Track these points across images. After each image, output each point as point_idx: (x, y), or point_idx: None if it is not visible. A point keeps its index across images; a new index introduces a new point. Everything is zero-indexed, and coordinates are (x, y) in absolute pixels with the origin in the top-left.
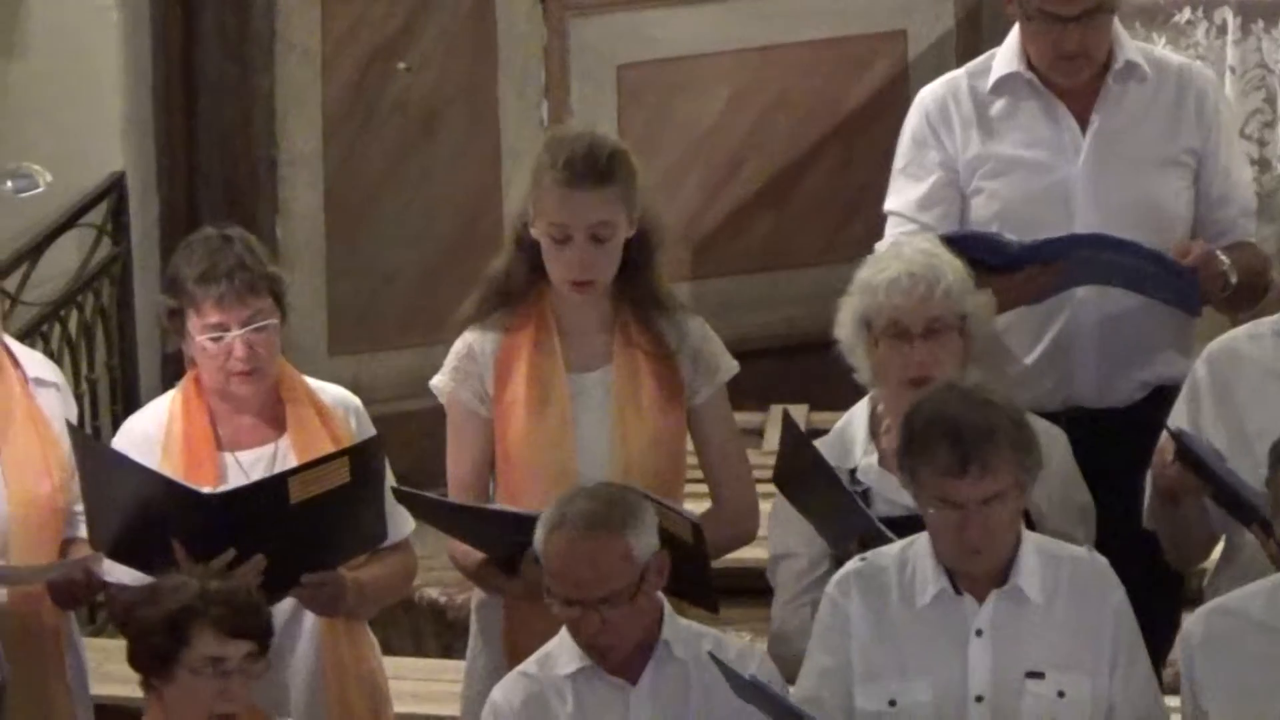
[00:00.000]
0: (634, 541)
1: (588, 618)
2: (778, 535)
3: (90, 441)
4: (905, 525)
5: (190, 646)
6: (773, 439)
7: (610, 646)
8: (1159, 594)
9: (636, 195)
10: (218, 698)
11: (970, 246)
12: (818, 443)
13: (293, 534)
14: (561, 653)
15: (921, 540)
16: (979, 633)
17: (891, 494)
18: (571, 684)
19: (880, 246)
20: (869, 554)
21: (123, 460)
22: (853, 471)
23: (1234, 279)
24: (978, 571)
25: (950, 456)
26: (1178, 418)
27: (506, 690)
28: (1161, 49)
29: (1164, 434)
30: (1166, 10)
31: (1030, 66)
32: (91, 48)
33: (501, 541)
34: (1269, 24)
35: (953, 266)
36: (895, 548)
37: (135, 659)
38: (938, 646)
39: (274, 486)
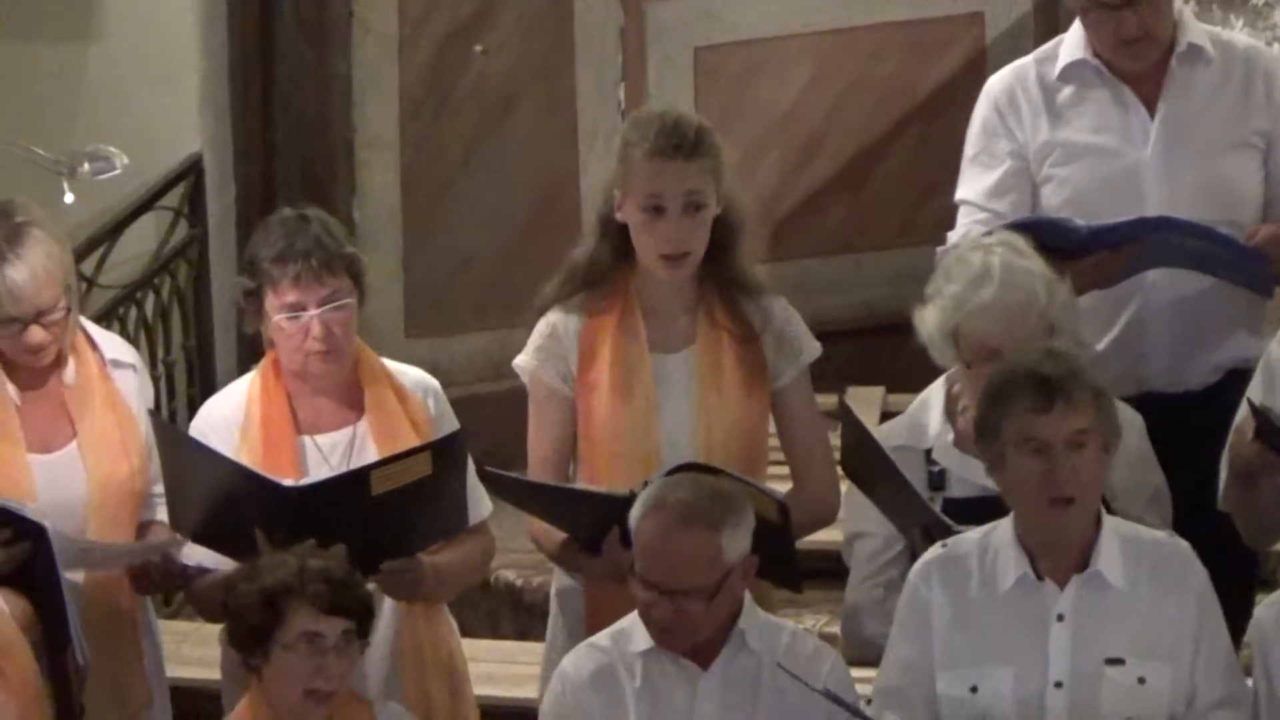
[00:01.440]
0: (727, 541)
1: (662, 604)
2: (853, 515)
3: (171, 429)
4: (979, 507)
5: (287, 623)
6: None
7: (678, 635)
8: (1233, 576)
9: (724, 171)
10: (314, 674)
11: (1040, 232)
12: (889, 424)
13: (373, 523)
14: (636, 630)
15: (1003, 526)
16: (1060, 618)
17: (967, 474)
18: (642, 661)
19: (952, 237)
20: (950, 540)
21: (204, 449)
22: (928, 452)
23: None
24: (1062, 536)
25: (1035, 395)
26: (1254, 396)
27: (577, 660)
28: (1228, 31)
29: (1241, 412)
30: None
31: (1096, 53)
32: (168, 31)
33: (584, 521)
34: None
35: (1042, 278)
36: (976, 534)
37: (234, 638)
38: (1018, 633)
39: (356, 480)
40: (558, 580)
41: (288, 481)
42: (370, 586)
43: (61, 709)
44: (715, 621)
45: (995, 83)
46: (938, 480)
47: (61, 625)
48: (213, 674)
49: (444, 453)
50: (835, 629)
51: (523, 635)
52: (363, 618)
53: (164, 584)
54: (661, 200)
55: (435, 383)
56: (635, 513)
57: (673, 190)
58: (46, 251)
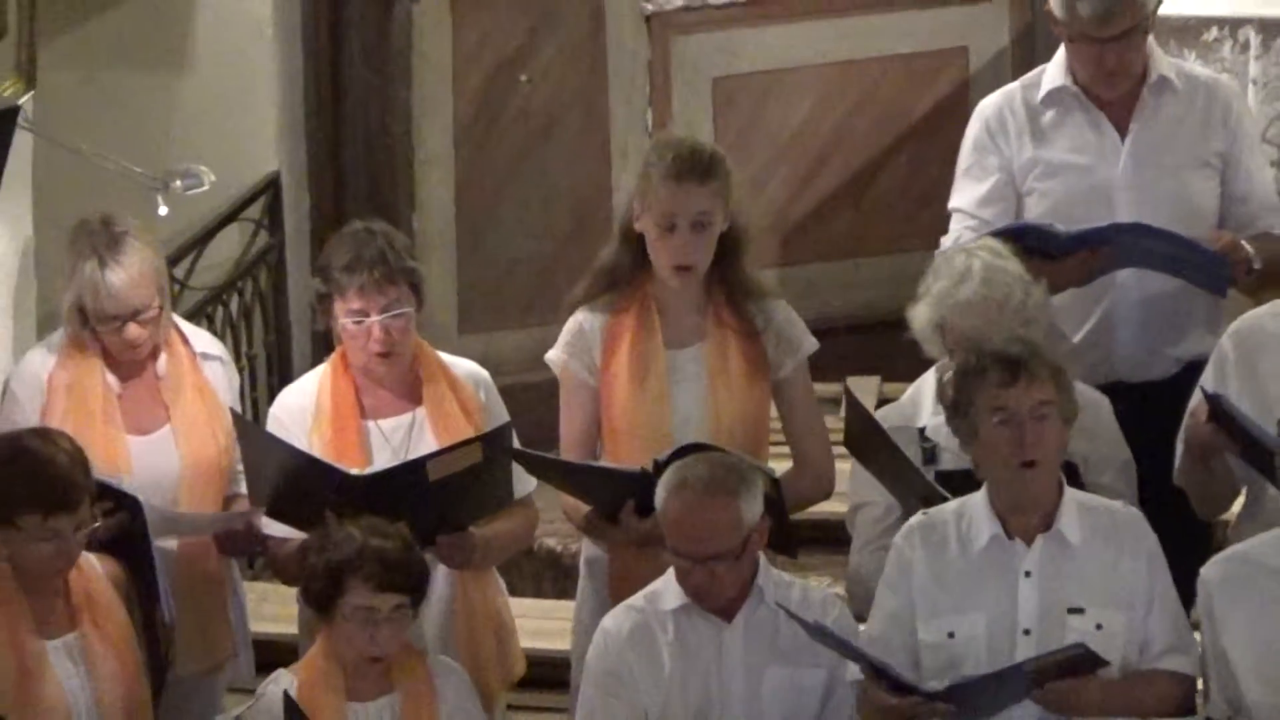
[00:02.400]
0: (744, 507)
1: (696, 571)
2: (856, 487)
3: (250, 425)
4: (966, 477)
5: (346, 596)
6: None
7: (713, 595)
8: (1191, 545)
9: (731, 192)
10: (367, 642)
11: (1025, 236)
12: (888, 407)
13: (430, 503)
14: (667, 590)
15: (977, 496)
16: (1027, 574)
17: (956, 449)
18: (673, 618)
19: (946, 241)
20: (931, 510)
21: (278, 442)
22: (922, 430)
23: (1257, 264)
24: (1028, 495)
25: (1002, 371)
26: (1206, 384)
27: (616, 619)
28: (1191, 64)
29: (1195, 398)
30: (1196, 29)
31: (1076, 81)
32: (250, 63)
33: (604, 495)
34: None
35: (1019, 278)
36: (954, 503)
37: (305, 598)
38: (991, 586)
39: (415, 469)
40: (586, 549)
41: (354, 470)
42: (427, 555)
43: (152, 660)
44: (741, 580)
45: (986, 105)
46: (930, 455)
47: (152, 586)
48: (290, 629)
49: (492, 443)
50: (837, 590)
51: (562, 594)
52: (415, 592)
53: (245, 549)
54: (674, 219)
55: (485, 373)
56: (660, 494)
57: (684, 210)
58: (142, 258)
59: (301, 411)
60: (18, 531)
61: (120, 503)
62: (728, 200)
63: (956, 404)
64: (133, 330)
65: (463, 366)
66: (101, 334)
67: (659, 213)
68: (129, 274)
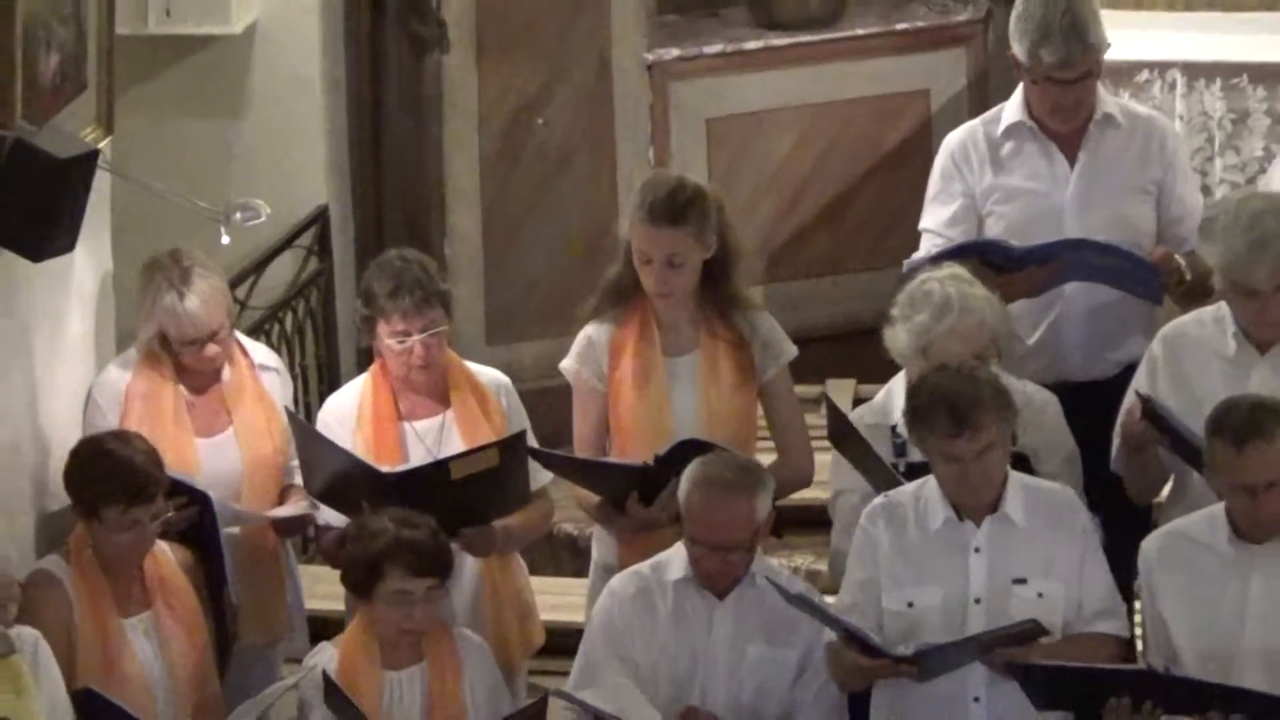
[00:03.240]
0: (758, 504)
1: (711, 558)
2: (836, 476)
3: (303, 424)
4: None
5: (384, 581)
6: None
7: (722, 578)
8: (1134, 524)
9: (710, 230)
10: (403, 620)
11: (984, 251)
12: (863, 407)
13: (454, 499)
14: (672, 562)
15: (931, 481)
16: (977, 550)
17: None
18: (674, 588)
19: (917, 256)
20: (891, 492)
21: (325, 441)
22: (893, 427)
23: (1188, 276)
24: (977, 504)
25: (948, 423)
26: (1139, 384)
27: (623, 581)
28: (1129, 101)
29: (1129, 397)
30: (1130, 71)
31: (1031, 116)
32: (300, 109)
33: (611, 486)
34: (1208, 82)
35: (986, 299)
36: (912, 486)
37: (345, 584)
38: (945, 561)
39: (439, 469)
40: (596, 533)
41: (385, 467)
42: (452, 545)
43: (220, 635)
44: (747, 566)
45: (951, 139)
46: (900, 449)
47: (220, 571)
48: (339, 605)
49: (509, 448)
50: (819, 566)
51: (578, 574)
52: (444, 573)
53: (299, 531)
54: (648, 256)
55: (507, 380)
56: (683, 488)
57: (656, 251)
58: (211, 285)
59: (346, 414)
60: (101, 522)
61: (192, 497)
62: (704, 238)
63: (911, 432)
64: (210, 349)
65: (486, 374)
66: (182, 354)
67: (637, 249)
68: (203, 301)
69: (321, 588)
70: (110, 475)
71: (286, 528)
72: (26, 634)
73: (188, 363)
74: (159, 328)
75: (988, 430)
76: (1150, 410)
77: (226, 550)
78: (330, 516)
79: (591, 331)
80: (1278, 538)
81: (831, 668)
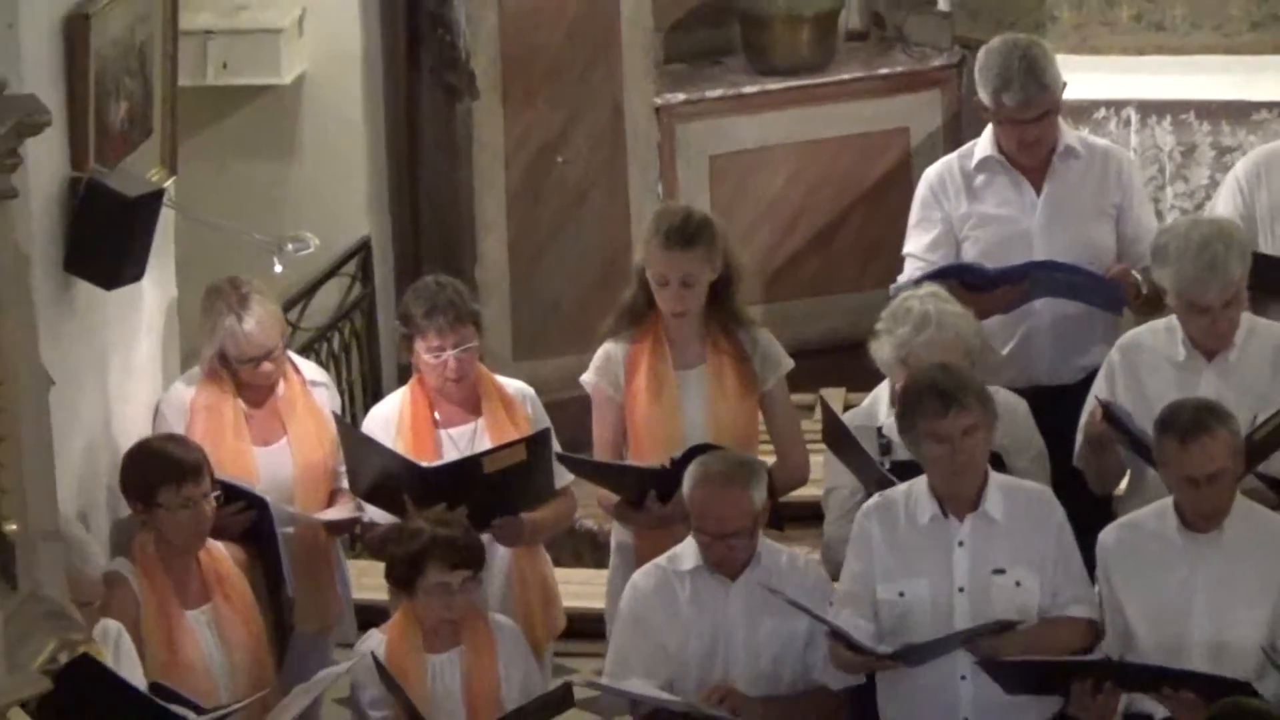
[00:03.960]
0: (755, 495)
1: (717, 545)
2: (828, 474)
3: (350, 428)
4: (915, 467)
5: (425, 575)
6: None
7: (728, 563)
8: (1094, 516)
9: (718, 253)
10: (443, 609)
11: (962, 274)
12: (852, 411)
13: (486, 493)
14: (685, 554)
15: (920, 481)
16: (960, 544)
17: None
18: (689, 577)
19: (902, 278)
20: (884, 492)
21: (371, 441)
22: (879, 429)
23: (1144, 290)
24: (962, 492)
25: (936, 403)
26: (1099, 388)
27: (644, 575)
28: (1091, 136)
29: (1091, 400)
30: (1088, 109)
31: (1000, 151)
32: (345, 151)
33: (630, 487)
34: (1159, 118)
35: (963, 316)
36: (903, 487)
37: (389, 579)
38: (932, 554)
39: (472, 463)
40: (615, 531)
41: (424, 463)
42: (484, 536)
43: (278, 625)
44: (750, 551)
45: (930, 172)
46: (885, 448)
47: (278, 567)
48: (382, 596)
49: (534, 444)
50: (815, 556)
51: (597, 565)
52: (477, 565)
53: (347, 530)
54: (665, 278)
55: (531, 390)
56: (686, 485)
57: (673, 272)
58: (266, 309)
59: (387, 423)
60: (160, 509)
61: (251, 502)
62: (713, 261)
63: (901, 423)
64: (265, 367)
65: (513, 385)
66: (240, 372)
67: (655, 272)
68: (259, 323)
69: (367, 580)
70: (159, 461)
71: (335, 528)
72: (110, 626)
73: (245, 379)
74: (220, 347)
75: (971, 411)
76: (1110, 413)
77: (283, 549)
78: (374, 514)
79: (609, 348)
80: (1221, 527)
81: (831, 657)
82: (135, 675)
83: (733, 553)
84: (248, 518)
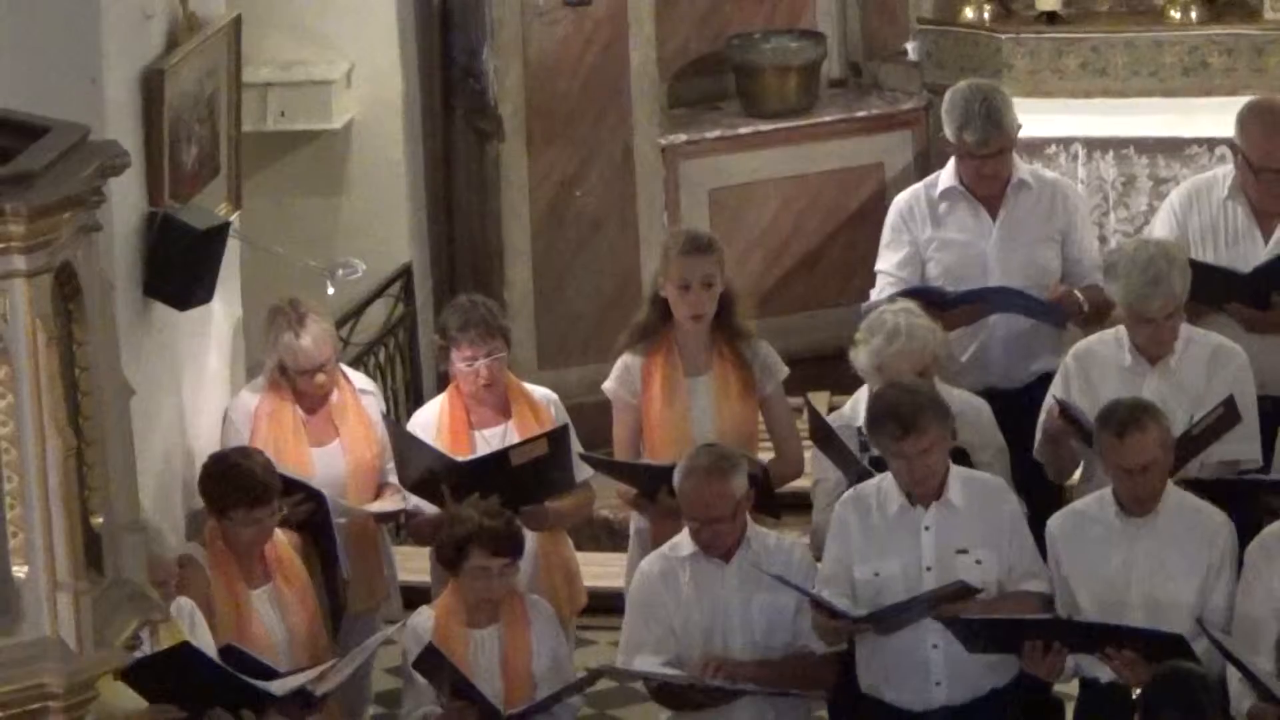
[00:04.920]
0: (736, 484)
1: (704, 530)
2: (815, 469)
3: (397, 426)
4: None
5: (469, 560)
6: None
7: (716, 546)
8: (1046, 504)
9: (724, 263)
10: (484, 590)
11: (926, 294)
12: (835, 413)
13: (514, 483)
14: (683, 543)
15: (888, 476)
16: (927, 528)
17: None
18: (688, 562)
19: (874, 293)
20: (858, 485)
21: (415, 439)
22: (859, 429)
23: (1086, 308)
24: (924, 492)
25: (896, 428)
26: (1056, 389)
27: (650, 562)
28: (1041, 169)
29: (1049, 399)
30: (1040, 145)
31: (961, 182)
32: (389, 187)
33: (645, 482)
34: (1103, 153)
35: (930, 329)
36: (874, 481)
37: (439, 561)
38: (902, 538)
39: (501, 456)
40: (634, 520)
41: (460, 457)
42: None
43: (333, 604)
44: (736, 534)
45: (899, 199)
46: (864, 446)
47: (333, 553)
48: (425, 578)
49: (555, 439)
50: (804, 540)
51: (614, 549)
52: (517, 554)
53: (393, 519)
54: (688, 281)
55: (555, 395)
56: (676, 477)
57: (695, 275)
58: (321, 327)
59: (428, 425)
60: (230, 520)
61: (309, 494)
62: (723, 268)
63: (869, 434)
64: (319, 378)
65: (538, 391)
66: (297, 382)
67: (678, 278)
68: (314, 339)
69: (411, 564)
70: (236, 484)
71: (383, 518)
72: (184, 603)
73: (301, 388)
74: (279, 360)
75: (928, 434)
76: (1066, 411)
77: (338, 536)
78: (418, 503)
79: (627, 360)
80: (1156, 512)
81: (813, 627)
82: (207, 645)
83: (718, 537)
84: (307, 509)
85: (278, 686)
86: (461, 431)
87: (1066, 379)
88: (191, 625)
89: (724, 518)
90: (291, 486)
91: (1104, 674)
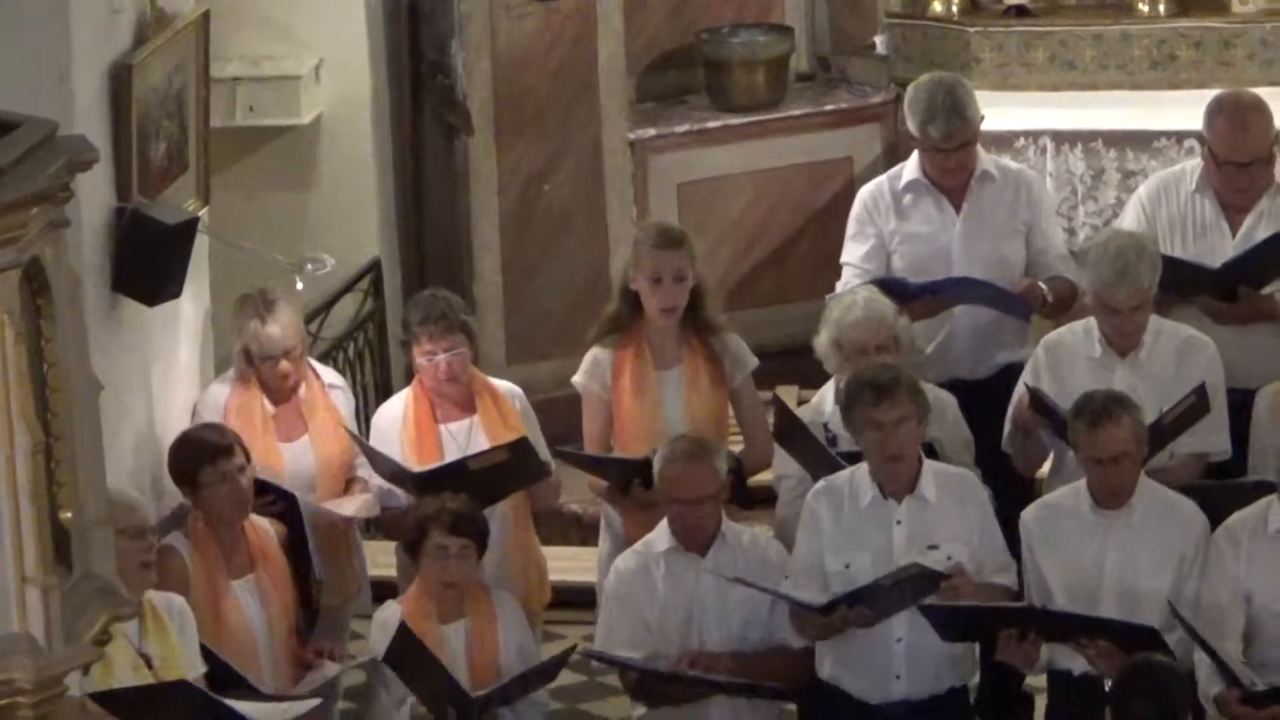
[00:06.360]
0: (719, 464)
1: (689, 513)
2: (779, 465)
3: (361, 440)
4: (857, 455)
5: (428, 538)
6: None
7: (698, 531)
8: (1014, 497)
9: (696, 257)
10: (442, 571)
11: (891, 286)
12: (803, 407)
13: (476, 484)
14: (658, 538)
15: (861, 468)
16: (899, 522)
17: (848, 436)
18: (664, 557)
19: (839, 286)
20: (830, 477)
21: (377, 453)
22: (825, 424)
23: (1050, 299)
24: (897, 476)
25: (873, 394)
26: (1027, 378)
27: (625, 559)
28: (1005, 160)
29: (1019, 389)
30: (1009, 139)
31: (925, 175)
32: (358, 182)
33: (617, 475)
34: (1071, 146)
35: (890, 307)
36: (846, 472)
37: (402, 541)
38: (873, 531)
39: (459, 465)
40: (604, 510)
41: (417, 468)
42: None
43: (304, 601)
44: (714, 522)
45: (864, 191)
46: (831, 441)
47: (305, 552)
48: (392, 573)
49: (514, 449)
50: (770, 532)
51: (582, 543)
52: (476, 538)
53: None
54: (660, 274)
55: (519, 390)
56: (658, 465)
57: (666, 269)
58: (288, 314)
59: (393, 420)
60: (204, 487)
61: (279, 497)
62: (694, 261)
63: (844, 412)
64: (284, 365)
65: (503, 385)
66: (262, 369)
67: (649, 272)
68: (281, 325)
69: (380, 559)
70: (194, 446)
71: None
72: (175, 602)
73: (266, 377)
74: (245, 346)
75: (903, 404)
76: (1037, 400)
77: (311, 537)
78: (391, 489)
79: (597, 353)
80: (1129, 505)
81: (791, 623)
82: (195, 647)
83: (702, 520)
84: (277, 509)
85: (271, 714)
86: (427, 426)
87: (1037, 368)
88: (181, 625)
89: (710, 496)
90: (264, 489)
91: (1075, 666)
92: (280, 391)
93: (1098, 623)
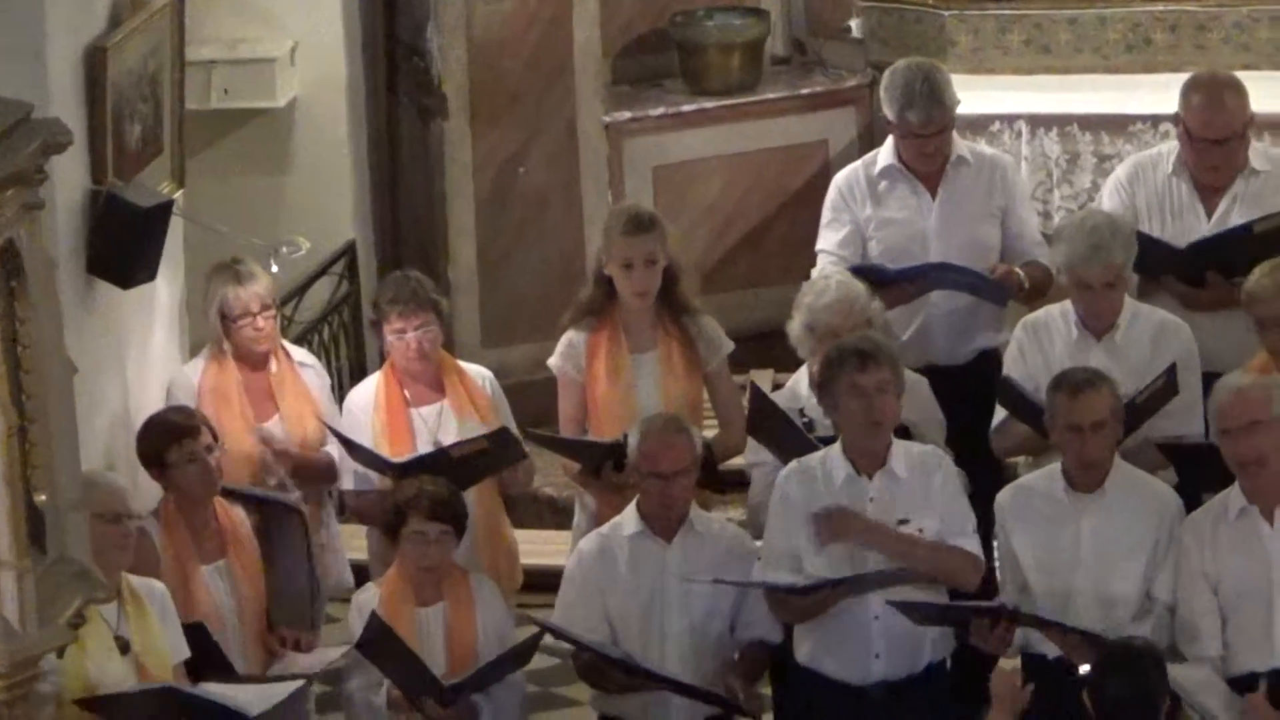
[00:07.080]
0: (694, 438)
1: (667, 486)
2: (750, 453)
3: (338, 431)
4: (832, 440)
5: (407, 524)
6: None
7: (672, 508)
8: (986, 479)
9: (667, 241)
10: (420, 556)
11: (868, 272)
12: (778, 392)
13: (455, 471)
14: (626, 521)
15: (835, 447)
16: (872, 499)
17: (824, 420)
18: (629, 541)
19: (815, 273)
20: (801, 459)
21: (357, 445)
22: (801, 409)
23: (1026, 285)
24: (873, 447)
25: (856, 359)
26: (1011, 359)
27: (588, 542)
28: (980, 145)
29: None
30: (984, 123)
31: (901, 160)
32: (332, 165)
33: (590, 458)
34: (1047, 130)
35: (860, 290)
36: (819, 453)
37: (381, 525)
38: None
39: (442, 454)
40: (578, 494)
41: (396, 460)
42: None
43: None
44: (687, 502)
45: (839, 177)
46: (808, 426)
47: (301, 562)
48: (364, 555)
49: (494, 438)
50: (743, 516)
51: (556, 527)
52: (454, 522)
53: (320, 481)
54: (631, 260)
55: (489, 373)
56: (634, 439)
57: (638, 254)
58: (259, 276)
59: (366, 402)
60: (172, 468)
61: (265, 502)
62: (665, 245)
63: (823, 384)
64: (260, 322)
65: (473, 369)
66: (237, 329)
67: (621, 258)
68: (253, 283)
69: (354, 542)
70: (159, 427)
71: (309, 475)
72: (157, 588)
73: (239, 342)
74: (219, 307)
75: (885, 370)
76: (1007, 390)
77: (315, 556)
78: (365, 472)
79: (572, 336)
80: (1103, 488)
81: (771, 610)
82: (175, 630)
83: (672, 497)
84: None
85: (256, 701)
86: (398, 408)
87: (1020, 349)
88: (163, 610)
89: (687, 469)
90: (263, 501)
91: (1050, 650)
92: (255, 357)
93: (1068, 628)
